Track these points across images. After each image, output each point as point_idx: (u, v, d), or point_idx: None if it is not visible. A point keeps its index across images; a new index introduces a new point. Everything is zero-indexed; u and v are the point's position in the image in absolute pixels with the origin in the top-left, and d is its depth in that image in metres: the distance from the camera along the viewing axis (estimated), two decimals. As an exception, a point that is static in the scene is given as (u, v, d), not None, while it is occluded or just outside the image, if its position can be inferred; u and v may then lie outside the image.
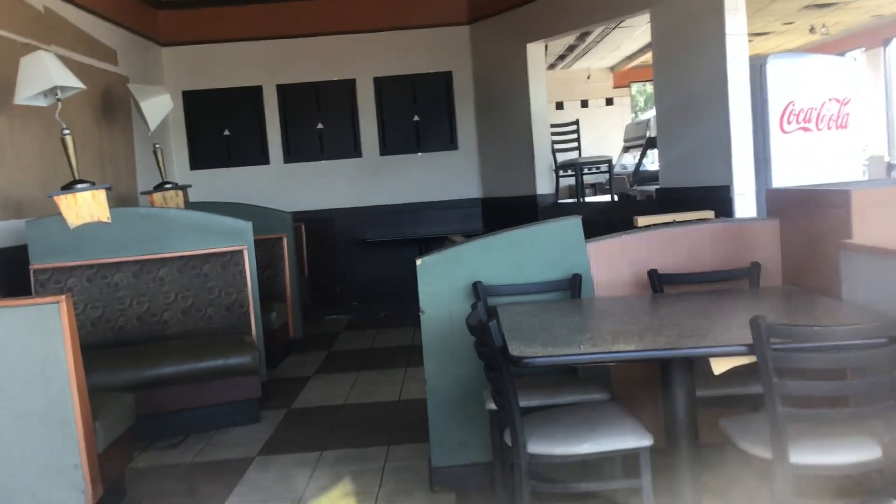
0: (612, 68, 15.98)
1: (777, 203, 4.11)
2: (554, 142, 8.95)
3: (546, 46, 9.32)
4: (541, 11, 8.33)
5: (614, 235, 4.07)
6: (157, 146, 7.04)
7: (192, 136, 9.34)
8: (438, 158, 9.56)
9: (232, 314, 5.76)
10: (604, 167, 9.42)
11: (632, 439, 2.94)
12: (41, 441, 3.62)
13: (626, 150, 12.70)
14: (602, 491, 3.53)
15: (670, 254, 4.01)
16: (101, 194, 5.24)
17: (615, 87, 16.32)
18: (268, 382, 5.89)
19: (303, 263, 8.57)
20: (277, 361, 6.94)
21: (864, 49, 14.64)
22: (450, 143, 9.58)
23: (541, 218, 8.03)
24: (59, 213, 5.16)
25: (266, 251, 7.19)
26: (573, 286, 3.91)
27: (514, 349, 2.79)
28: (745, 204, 6.12)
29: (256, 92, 9.36)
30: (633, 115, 16.82)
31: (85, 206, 5.18)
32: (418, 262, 3.94)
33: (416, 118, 9.50)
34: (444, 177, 9.54)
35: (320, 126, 9.45)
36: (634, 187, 10.08)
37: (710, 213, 4.40)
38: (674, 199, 6.64)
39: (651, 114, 9.75)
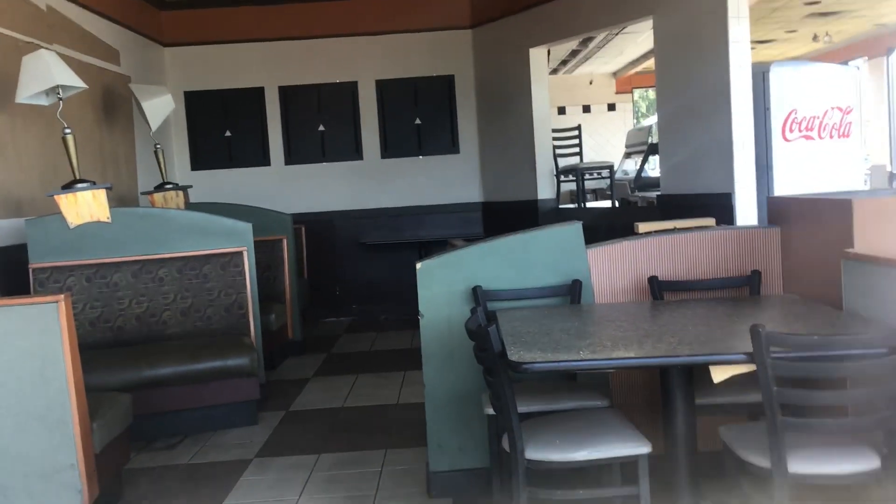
0: (614, 74, 15.98)
1: (778, 211, 4.11)
2: (555, 147, 8.94)
3: (549, 51, 9.31)
4: (544, 16, 8.33)
5: (615, 241, 4.06)
6: (159, 146, 7.04)
7: (193, 136, 9.34)
8: (440, 162, 9.56)
9: (231, 315, 5.75)
10: (605, 173, 9.42)
11: (630, 446, 2.93)
12: (38, 440, 3.61)
13: (627, 155, 12.71)
14: (600, 498, 3.52)
15: (671, 261, 4.00)
16: (102, 194, 5.24)
17: (617, 92, 16.31)
18: (266, 384, 5.88)
19: (302, 265, 8.57)
20: (276, 363, 6.94)
21: (867, 58, 14.64)
22: (451, 146, 9.58)
23: (541, 223, 8.01)
24: (60, 213, 5.16)
25: (266, 253, 7.18)
26: (573, 292, 3.90)
27: (514, 354, 2.78)
28: (746, 211, 6.11)
29: (258, 93, 9.36)
30: (635, 120, 16.82)
31: (85, 206, 5.18)
32: (418, 265, 3.94)
33: (417, 121, 9.50)
34: (445, 180, 9.53)
35: (322, 128, 9.45)
36: (635, 193, 10.08)
37: (710, 221, 4.39)
38: (675, 206, 6.63)
39: (653, 120, 9.76)
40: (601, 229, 5.00)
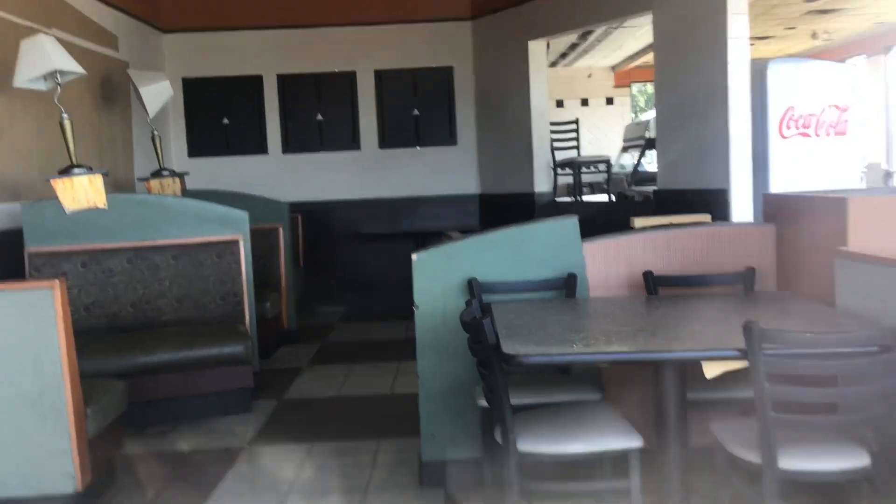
0: (613, 67, 15.96)
1: (773, 208, 4.12)
2: (553, 140, 8.94)
3: (548, 44, 9.31)
4: (543, 9, 8.33)
5: (610, 236, 4.07)
6: (156, 133, 7.03)
7: (190, 123, 9.32)
8: (437, 153, 9.56)
9: (226, 303, 5.76)
10: (602, 167, 9.42)
11: (622, 440, 2.95)
12: (32, 426, 3.62)
13: (624, 150, 12.69)
14: (591, 491, 3.54)
15: (665, 256, 4.01)
16: (99, 180, 5.22)
17: (616, 86, 16.30)
18: (260, 372, 5.89)
19: (298, 254, 8.57)
20: (270, 352, 6.94)
21: (865, 56, 14.64)
22: (449, 138, 9.57)
23: (538, 216, 8.03)
24: (56, 198, 5.15)
25: (262, 241, 7.18)
26: (568, 285, 3.92)
27: (508, 347, 2.79)
28: (742, 207, 6.13)
29: (257, 81, 9.34)
30: (633, 115, 16.81)
31: (82, 191, 5.16)
32: (414, 257, 3.95)
33: (415, 112, 9.49)
34: (443, 172, 9.54)
35: (320, 117, 9.43)
36: (632, 188, 10.08)
37: (706, 217, 4.41)
38: (671, 201, 6.64)
39: (651, 114, 9.75)
40: (597, 223, 5.01)
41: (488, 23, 9.20)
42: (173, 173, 6.96)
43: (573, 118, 9.40)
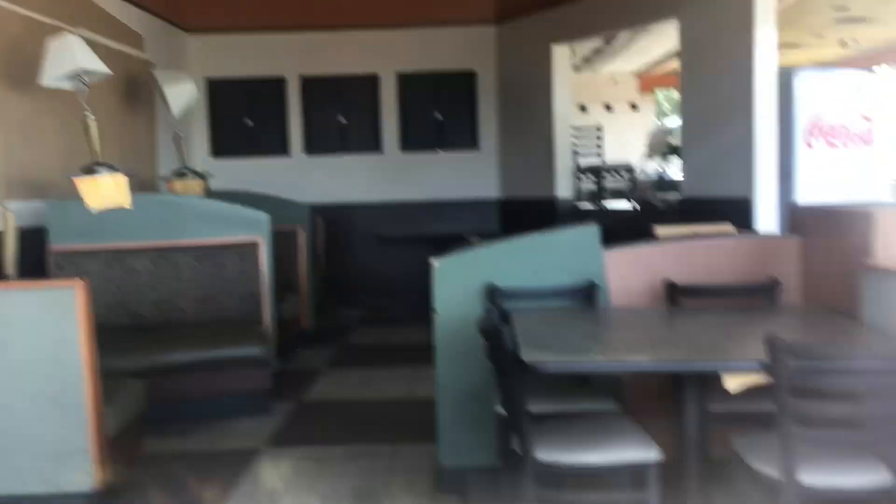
0: (638, 73, 15.87)
1: (799, 220, 4.07)
2: (576, 145, 8.89)
3: (573, 49, 9.27)
4: (567, 14, 8.30)
5: (632, 245, 4.04)
6: (180, 133, 7.06)
7: (214, 123, 9.37)
8: (459, 157, 9.55)
9: (246, 304, 5.77)
10: (625, 173, 9.38)
11: (640, 452, 2.92)
12: (52, 423, 3.64)
13: (648, 156, 12.63)
14: (608, 502, 3.51)
15: (688, 266, 3.98)
16: (123, 180, 5.25)
17: (641, 91, 16.20)
18: (279, 374, 5.89)
19: (319, 256, 8.58)
20: (289, 353, 6.94)
21: (895, 64, 14.47)
22: (471, 142, 9.56)
23: (559, 222, 8.00)
24: (80, 197, 5.18)
25: (282, 242, 7.17)
26: (588, 294, 3.89)
27: (526, 355, 2.78)
28: (766, 218, 6.06)
29: (280, 83, 9.38)
30: (658, 121, 16.70)
31: (106, 191, 5.19)
32: (435, 263, 3.94)
33: (438, 116, 9.49)
34: (464, 176, 9.52)
35: (342, 119, 9.45)
36: (656, 194, 10.02)
37: (729, 227, 4.36)
38: (695, 209, 6.59)
39: (675, 121, 9.70)
40: (620, 230, 4.98)
41: (512, 27, 9.18)
42: (196, 174, 6.99)
43: (596, 123, 9.36)
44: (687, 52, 6.94)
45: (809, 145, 6.32)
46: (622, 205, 10.45)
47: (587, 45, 11.59)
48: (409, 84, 9.46)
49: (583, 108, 15.34)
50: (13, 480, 3.65)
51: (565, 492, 3.15)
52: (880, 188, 6.57)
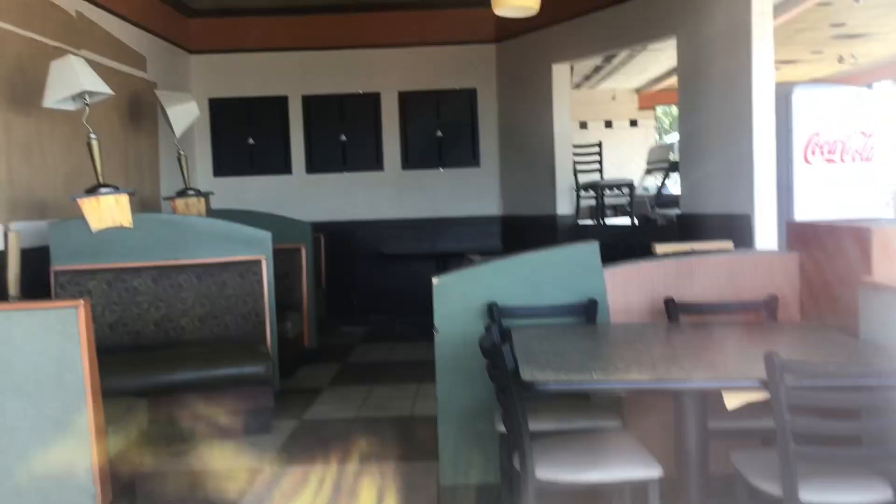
0: (637, 90, 15.94)
1: (797, 236, 4.09)
2: (576, 162, 8.93)
3: (572, 67, 9.32)
4: (567, 33, 8.35)
5: (632, 262, 4.06)
6: (182, 153, 7.10)
7: (216, 143, 9.42)
8: (460, 175, 9.59)
9: (247, 323, 5.78)
10: (625, 189, 9.40)
11: (641, 469, 2.93)
12: (53, 443, 3.64)
13: (648, 172, 12.66)
14: (609, 519, 3.51)
15: (687, 283, 3.99)
16: (125, 199, 5.29)
17: (640, 108, 16.26)
18: (281, 392, 5.90)
19: (321, 274, 8.59)
20: (291, 371, 6.95)
21: (893, 80, 14.53)
22: (472, 159, 9.60)
23: (560, 239, 8.03)
24: (82, 216, 5.21)
25: (284, 260, 7.21)
26: (588, 311, 3.90)
27: (526, 374, 2.79)
28: (766, 234, 6.08)
29: (282, 102, 9.43)
30: (658, 137, 16.75)
31: (108, 211, 5.23)
32: (435, 281, 3.95)
33: (439, 134, 9.53)
34: (465, 193, 9.56)
35: (343, 138, 9.50)
36: (655, 211, 10.04)
37: (728, 244, 4.38)
38: (694, 226, 6.61)
39: (675, 137, 9.73)
40: (619, 247, 5.00)
41: (512, 45, 9.24)
42: (198, 193, 7.02)
43: (596, 140, 9.40)
44: (685, 69, 6.98)
45: (808, 161, 6.35)
46: (622, 221, 10.46)
47: (587, 63, 11.66)
48: (411, 102, 9.51)
49: (583, 125, 15.41)
50: (14, 501, 3.65)
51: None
52: (879, 204, 6.60)
